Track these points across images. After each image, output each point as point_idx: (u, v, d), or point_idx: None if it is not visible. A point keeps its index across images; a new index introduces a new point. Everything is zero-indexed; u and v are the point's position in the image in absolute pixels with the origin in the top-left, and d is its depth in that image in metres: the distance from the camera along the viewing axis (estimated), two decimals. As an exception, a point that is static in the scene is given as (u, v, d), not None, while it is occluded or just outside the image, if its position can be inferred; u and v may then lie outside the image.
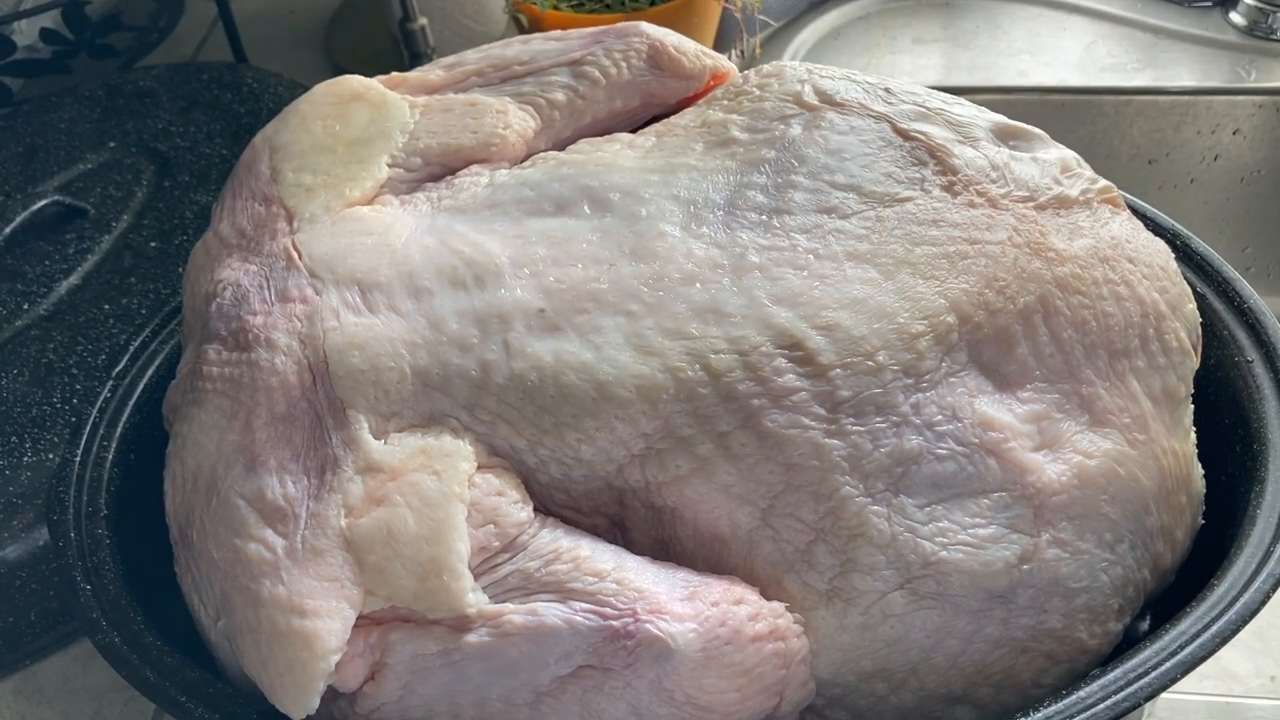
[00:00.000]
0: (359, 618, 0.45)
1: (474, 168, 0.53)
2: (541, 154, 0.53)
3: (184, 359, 0.53)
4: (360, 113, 0.55)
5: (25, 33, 1.04)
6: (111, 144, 0.87)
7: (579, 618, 0.43)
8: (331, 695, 0.45)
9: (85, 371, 0.69)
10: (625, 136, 0.54)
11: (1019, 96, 1.00)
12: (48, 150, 0.87)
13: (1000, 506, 0.45)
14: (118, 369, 0.62)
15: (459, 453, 0.45)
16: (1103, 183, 0.53)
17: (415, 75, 0.58)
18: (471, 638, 0.44)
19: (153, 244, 0.78)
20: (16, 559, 0.65)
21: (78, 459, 0.58)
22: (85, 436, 0.59)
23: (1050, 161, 0.52)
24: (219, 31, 1.04)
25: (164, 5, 1.11)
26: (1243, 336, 0.53)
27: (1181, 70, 1.00)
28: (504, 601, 0.44)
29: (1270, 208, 1.02)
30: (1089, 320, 0.48)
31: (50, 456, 0.65)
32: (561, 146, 0.55)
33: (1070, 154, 0.54)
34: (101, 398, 0.61)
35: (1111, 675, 0.44)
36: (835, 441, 0.44)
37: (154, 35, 1.08)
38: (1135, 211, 0.55)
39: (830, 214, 0.48)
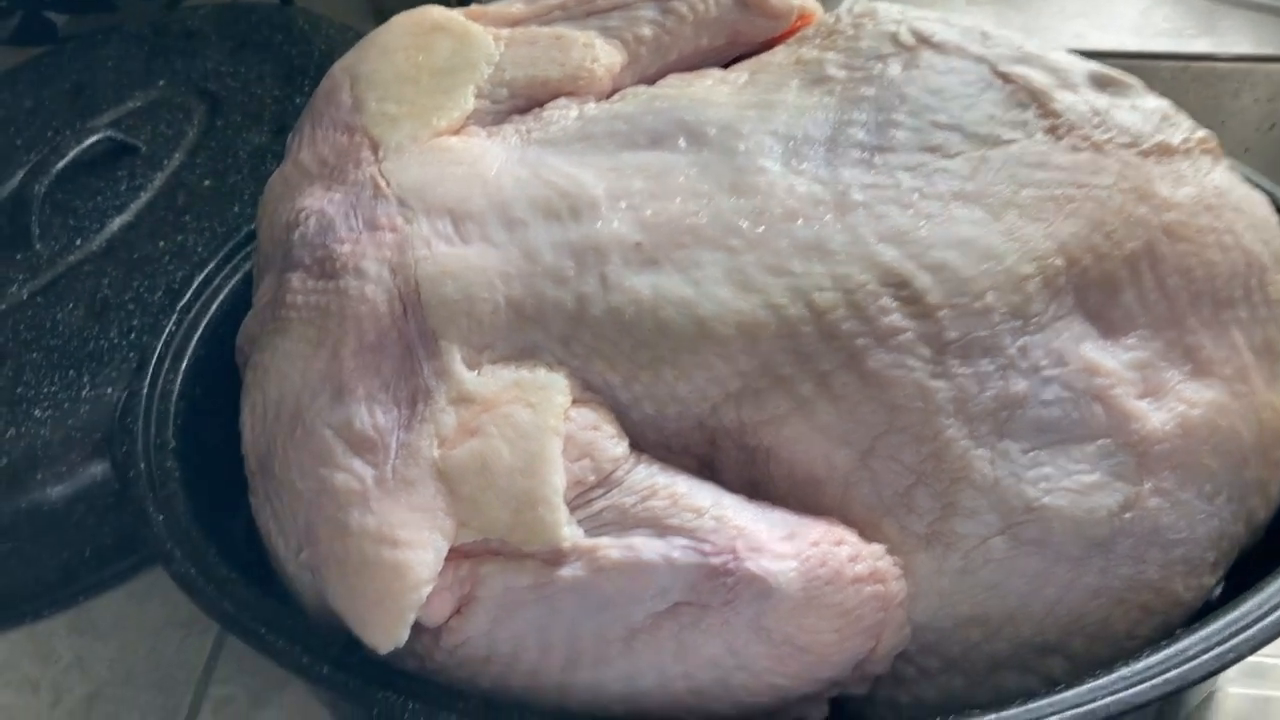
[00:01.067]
0: (449, 550, 0.44)
1: (561, 100, 0.52)
2: (631, 89, 0.52)
3: (262, 289, 0.52)
4: (443, 43, 0.54)
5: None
6: (160, 83, 0.85)
7: (677, 554, 0.42)
8: (415, 630, 0.45)
9: (142, 307, 0.69)
10: (717, 72, 0.53)
11: (1076, 60, 0.98)
12: (95, 88, 0.85)
13: (1104, 453, 0.44)
14: (182, 303, 0.61)
15: (554, 386, 0.44)
16: (1203, 131, 0.52)
17: (495, 8, 0.57)
18: (565, 571, 0.43)
19: (206, 182, 0.77)
20: (73, 493, 0.64)
21: (144, 391, 0.57)
22: (151, 369, 0.58)
23: (1150, 109, 0.51)
24: (263, -27, 1.02)
25: (206, -54, 1.09)
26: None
27: (1240, 37, 0.98)
28: (599, 536, 0.43)
29: (1325, 178, 1.01)
30: (1194, 268, 0.47)
31: (108, 391, 0.65)
32: (648, 84, 0.54)
33: (1167, 102, 0.53)
34: (166, 331, 0.60)
35: (1214, 627, 0.44)
36: (941, 383, 0.43)
37: (197, -24, 1.06)
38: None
39: (934, 153, 0.47)
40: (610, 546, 0.43)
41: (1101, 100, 0.51)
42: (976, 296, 0.44)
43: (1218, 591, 0.52)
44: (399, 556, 0.43)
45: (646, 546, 0.43)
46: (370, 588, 0.44)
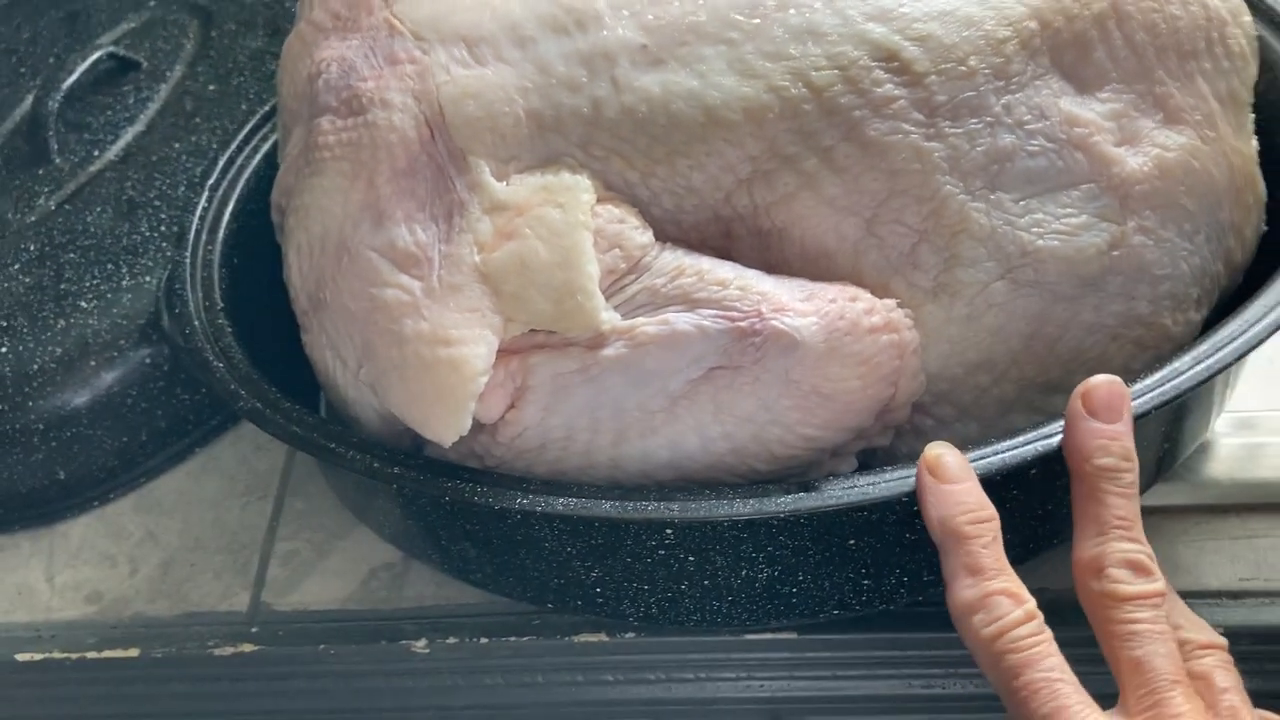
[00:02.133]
0: (499, 351, 0.47)
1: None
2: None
3: (291, 142, 0.55)
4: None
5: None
6: (151, 3, 0.88)
7: (708, 322, 0.46)
8: (474, 430, 0.48)
9: (167, 202, 0.72)
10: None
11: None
12: (89, 14, 0.88)
13: (1089, 197, 0.48)
14: (210, 180, 0.65)
15: (579, 185, 0.48)
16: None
17: None
18: (608, 351, 0.47)
19: (211, 87, 0.80)
20: (125, 380, 0.67)
21: (187, 260, 0.61)
22: (190, 242, 0.62)
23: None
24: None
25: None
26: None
27: None
28: (635, 317, 0.47)
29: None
30: (1158, 23, 0.50)
31: (147, 280, 0.68)
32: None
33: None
34: (200, 207, 0.63)
35: (1201, 348, 0.48)
36: (934, 144, 0.47)
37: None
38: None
39: (910, -63, 0.50)
40: (647, 324, 0.47)
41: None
42: (961, 61, 0.47)
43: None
44: (454, 353, 0.47)
45: (679, 319, 0.47)
46: (431, 386, 0.47)
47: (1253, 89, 0.53)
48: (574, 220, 0.47)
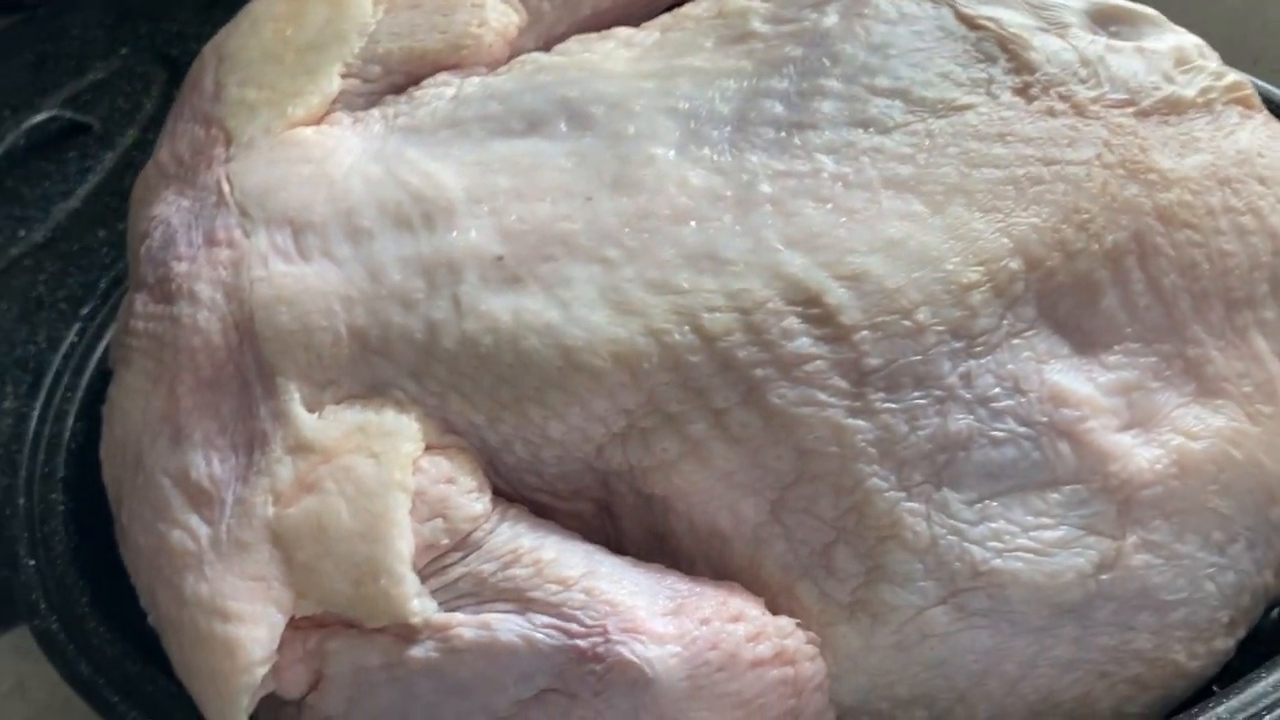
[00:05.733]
0: (297, 619, 0.38)
1: (442, 76, 0.44)
2: (522, 57, 0.44)
3: (122, 307, 0.46)
4: (317, 12, 0.46)
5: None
6: (124, 50, 0.80)
7: (539, 634, 0.36)
8: (279, 702, 0.39)
9: (73, 307, 0.64)
10: (624, 32, 0.44)
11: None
12: (57, 60, 0.81)
13: (1073, 502, 0.36)
14: (85, 309, 0.56)
15: (402, 431, 0.38)
16: (1232, 77, 0.41)
17: (387, -36, 0.49)
18: (418, 652, 0.37)
19: (155, 162, 0.72)
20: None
21: (36, 413, 0.53)
22: (46, 386, 0.54)
23: (1161, 52, 0.41)
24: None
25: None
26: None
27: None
28: (455, 609, 0.37)
29: None
30: (1200, 261, 0.37)
31: (19, 406, 0.60)
32: (553, 46, 0.46)
33: (1191, 40, 0.42)
34: (67, 342, 0.55)
35: (1215, 712, 0.35)
36: (860, 422, 0.35)
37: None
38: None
39: (867, 128, 0.38)
40: (465, 624, 0.37)
41: (1096, 45, 0.41)
42: (905, 313, 0.35)
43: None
44: (230, 633, 0.37)
45: (505, 624, 0.36)
46: (204, 665, 0.38)
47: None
48: (388, 478, 0.37)
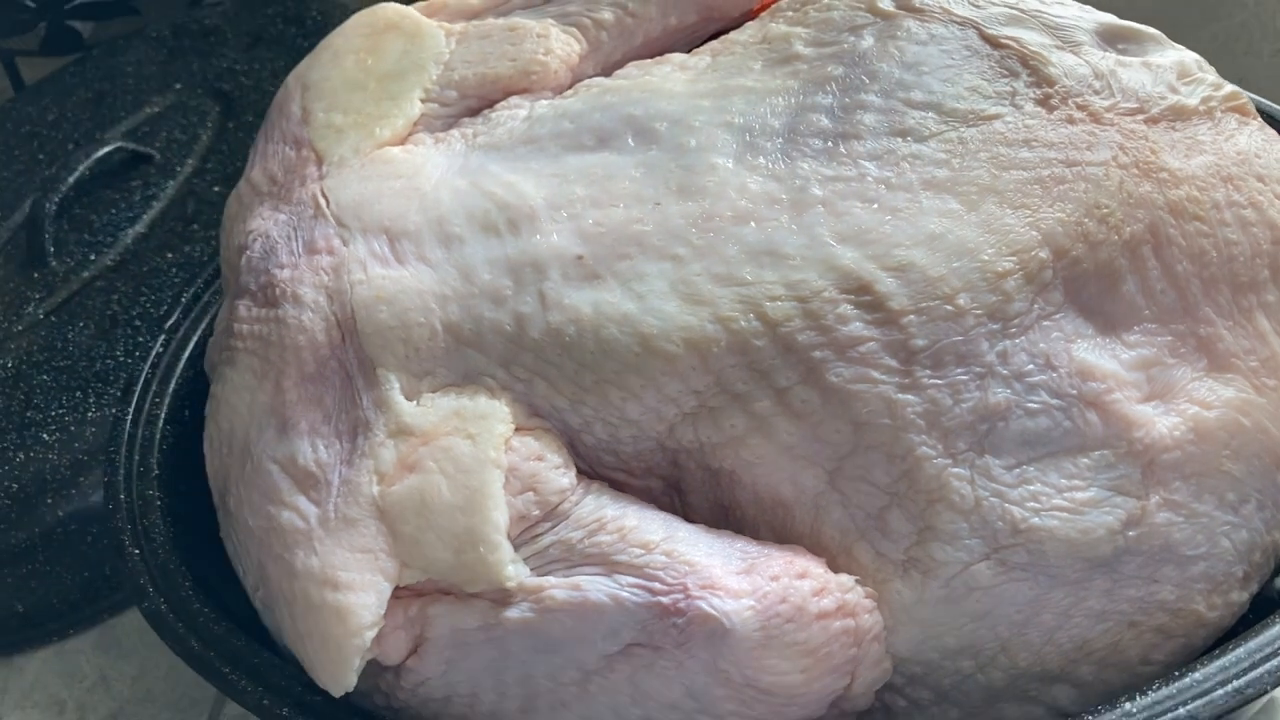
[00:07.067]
0: (398, 589, 0.42)
1: (513, 99, 0.48)
2: (586, 81, 0.49)
3: (223, 310, 0.50)
4: (394, 44, 0.51)
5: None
6: (177, 85, 0.85)
7: (625, 593, 0.40)
8: (378, 668, 0.43)
9: (148, 323, 0.68)
10: (678, 57, 0.49)
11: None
12: (115, 95, 0.85)
13: (1102, 466, 0.40)
14: (170, 322, 0.60)
15: (494, 414, 0.42)
16: (1229, 88, 0.46)
17: (455, 0, 0.53)
18: (512, 613, 0.40)
19: (216, 189, 0.76)
20: (87, 514, 0.64)
21: (129, 417, 0.57)
22: (137, 393, 0.57)
23: (1165, 66, 0.45)
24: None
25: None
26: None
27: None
28: (546, 574, 0.41)
29: None
30: (1208, 250, 0.41)
31: (114, 411, 0.64)
32: (611, 71, 0.50)
33: (1191, 56, 0.47)
34: (154, 352, 0.59)
35: (1234, 655, 0.39)
36: (909, 396, 0.39)
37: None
38: (1274, 121, 0.48)
39: (905, 137, 0.42)
40: (556, 586, 0.40)
41: (1107, 60, 0.45)
42: (947, 299, 0.39)
43: None
44: (341, 600, 0.41)
45: (594, 585, 0.40)
46: (316, 631, 0.42)
47: (1333, 317, 0.44)
48: (484, 456, 0.41)
